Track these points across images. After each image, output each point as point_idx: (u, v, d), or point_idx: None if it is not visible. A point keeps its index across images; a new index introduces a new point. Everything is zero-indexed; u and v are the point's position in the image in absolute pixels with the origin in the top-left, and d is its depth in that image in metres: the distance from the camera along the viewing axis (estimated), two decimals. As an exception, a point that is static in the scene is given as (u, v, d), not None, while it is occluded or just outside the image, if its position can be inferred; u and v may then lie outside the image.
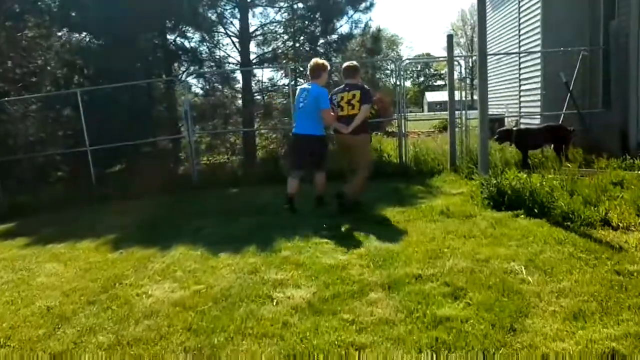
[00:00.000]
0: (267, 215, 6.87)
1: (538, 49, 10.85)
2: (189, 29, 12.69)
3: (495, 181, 6.50)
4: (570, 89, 9.62)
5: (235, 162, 12.37)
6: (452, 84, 9.58)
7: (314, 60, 7.00)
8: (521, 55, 12.23)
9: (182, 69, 12.83)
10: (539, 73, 10.66)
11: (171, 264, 4.96)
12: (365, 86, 7.02)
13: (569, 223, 5.29)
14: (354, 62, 7.14)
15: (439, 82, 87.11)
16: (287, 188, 6.96)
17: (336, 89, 7.03)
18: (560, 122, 9.89)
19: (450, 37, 9.75)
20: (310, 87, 6.76)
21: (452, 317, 3.33)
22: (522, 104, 12.48)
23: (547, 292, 3.62)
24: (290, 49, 13.48)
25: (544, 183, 6.20)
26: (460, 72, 10.23)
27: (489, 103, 17.10)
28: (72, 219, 7.92)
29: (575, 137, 9.05)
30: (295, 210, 6.83)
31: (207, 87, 12.78)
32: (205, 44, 12.83)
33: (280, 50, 13.55)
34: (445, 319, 3.31)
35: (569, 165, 8.08)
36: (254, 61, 13.15)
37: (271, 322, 3.48)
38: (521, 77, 12.38)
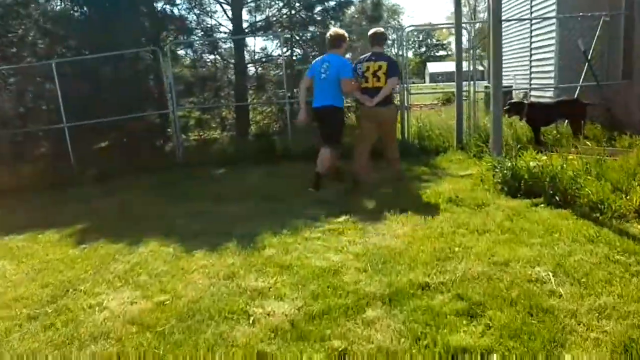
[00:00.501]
0: (254, 201, 6.18)
1: (553, 14, 9.99)
2: (177, -5, 11.82)
3: (509, 164, 5.77)
4: (589, 58, 8.81)
5: (226, 138, 11.60)
6: (460, 53, 8.78)
7: (334, 29, 6.73)
8: (533, 21, 11.35)
9: (170, 38, 11.94)
10: (553, 41, 9.82)
11: (137, 265, 4.27)
12: (393, 57, 6.77)
13: (597, 215, 4.60)
14: (382, 29, 6.75)
15: (441, 53, 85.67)
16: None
17: (361, 57, 6.64)
18: (576, 94, 9.12)
19: (458, 1, 8.91)
20: (330, 57, 6.42)
21: (469, 348, 2.64)
22: (532, 75, 11.64)
23: (584, 311, 2.93)
24: (285, 16, 12.60)
25: (565, 166, 5.47)
26: (470, 40, 9.40)
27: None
28: (44, 204, 7.22)
29: (593, 110, 8.33)
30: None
31: (196, 57, 11.92)
32: (194, 11, 11.96)
33: (274, 18, 12.67)
34: (461, 351, 2.63)
35: (588, 143, 7.36)
36: (246, 30, 12.28)
37: (244, 352, 2.80)
38: (532, 45, 11.52)
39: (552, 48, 9.87)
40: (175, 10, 12.14)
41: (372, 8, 12.84)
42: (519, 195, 5.46)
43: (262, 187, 7.02)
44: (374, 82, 6.30)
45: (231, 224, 5.26)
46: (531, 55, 11.62)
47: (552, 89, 9.96)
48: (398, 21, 64.87)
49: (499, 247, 4.01)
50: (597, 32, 8.83)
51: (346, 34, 6.62)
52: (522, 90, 12.28)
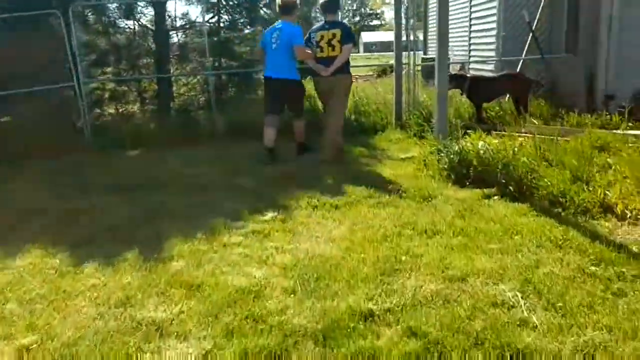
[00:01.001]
0: (168, 192, 5.32)
1: (495, -18, 9.44)
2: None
3: (456, 147, 5.17)
4: (533, 29, 8.33)
5: (145, 113, 10.50)
6: (400, 22, 8.09)
7: None
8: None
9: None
10: (494, 11, 9.29)
11: (7, 286, 3.36)
12: (347, 24, 6.57)
13: (559, 209, 4.05)
14: None
15: (375, 22, 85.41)
16: (264, 140, 6.36)
17: (314, 26, 6.58)
18: (518, 68, 8.66)
19: (396, -34, 8.18)
20: (281, 25, 6.23)
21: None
22: (472, 47, 11.13)
23: (568, 353, 2.33)
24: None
25: (517, 151, 4.92)
26: (407, 9, 8.68)
27: (430, 45, 15.81)
28: None
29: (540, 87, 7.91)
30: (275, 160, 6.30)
31: (109, 22, 10.64)
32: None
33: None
34: None
35: (534, 121, 6.89)
36: (166, -6, 11.11)
37: None
38: (472, 15, 10.98)
39: (494, 18, 9.34)
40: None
41: (304, -26, 11.95)
42: (467, 184, 4.88)
43: (180, 173, 6.17)
44: (329, 51, 6.15)
45: (137, 223, 4.41)
46: (471, 25, 11.09)
47: (493, 62, 9.45)
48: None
49: (453, 255, 3.37)
50: (542, 2, 8.34)
51: (297, 0, 6.46)
52: (458, 63, 11.72)
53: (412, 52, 8.51)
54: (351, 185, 5.11)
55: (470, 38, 11.12)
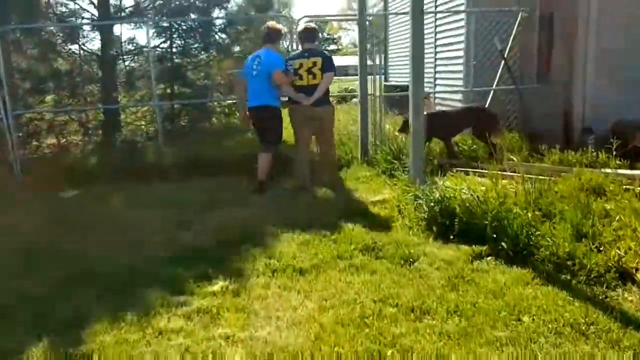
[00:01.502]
0: (98, 250, 4.45)
1: (462, 7, 8.94)
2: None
3: (437, 194, 4.49)
4: (505, 57, 7.83)
5: (87, 146, 9.56)
6: (364, 47, 7.43)
7: (271, 23, 6.37)
8: (439, 15, 10.29)
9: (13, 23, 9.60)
10: (462, 38, 8.80)
11: None
12: (326, 52, 6.66)
13: (567, 276, 3.39)
14: (313, 24, 6.44)
15: (332, 47, 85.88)
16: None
17: (293, 54, 6.46)
18: (489, 99, 8.15)
19: (361, -10, 7.56)
20: (263, 52, 6.13)
21: None
22: (437, 76, 10.61)
23: None
24: (160, 1, 10.70)
25: (506, 200, 4.27)
26: (373, 35, 8.07)
27: (392, 72, 15.35)
28: None
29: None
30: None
31: (47, 46, 9.70)
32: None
33: (147, 3, 10.76)
34: None
35: (513, 158, 6.31)
36: (114, 16, 10.24)
37: None
38: (437, 42, 10.48)
39: (462, 45, 8.84)
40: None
41: (261, -5, 11.31)
42: (452, 238, 4.20)
43: (116, 220, 5.32)
44: (310, 79, 5.98)
45: (52, 298, 3.54)
46: (436, 53, 10.58)
47: (462, 93, 8.91)
48: (289, 13, 63.78)
49: (452, 347, 2.66)
50: (515, 30, 7.86)
51: (283, 29, 6.46)
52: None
53: (377, 77, 7.87)
54: (317, 239, 4.37)
55: (435, 66, 10.60)
